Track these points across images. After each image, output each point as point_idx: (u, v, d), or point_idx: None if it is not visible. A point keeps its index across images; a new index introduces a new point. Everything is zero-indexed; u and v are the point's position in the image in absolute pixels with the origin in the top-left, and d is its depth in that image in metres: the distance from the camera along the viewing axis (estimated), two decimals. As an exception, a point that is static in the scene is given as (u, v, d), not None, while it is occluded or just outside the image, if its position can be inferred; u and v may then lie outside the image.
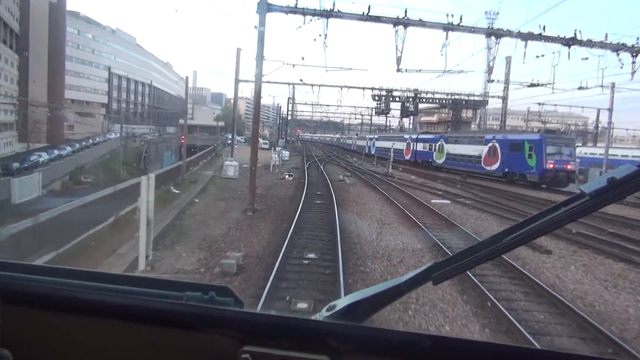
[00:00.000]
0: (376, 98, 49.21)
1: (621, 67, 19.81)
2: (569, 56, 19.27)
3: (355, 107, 76.41)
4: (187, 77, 33.89)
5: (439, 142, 40.87)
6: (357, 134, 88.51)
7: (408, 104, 51.22)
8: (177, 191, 20.20)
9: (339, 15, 17.99)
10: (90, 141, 61.99)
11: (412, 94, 50.33)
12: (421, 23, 18.83)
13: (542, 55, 20.48)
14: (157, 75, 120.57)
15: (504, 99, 49.10)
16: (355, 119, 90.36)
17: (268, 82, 34.00)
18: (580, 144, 48.05)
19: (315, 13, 17.77)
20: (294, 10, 17.15)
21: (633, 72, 19.75)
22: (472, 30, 19.18)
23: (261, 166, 30.86)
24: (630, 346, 6.31)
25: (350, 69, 26.64)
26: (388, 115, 62.80)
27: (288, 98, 63.95)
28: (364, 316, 0.92)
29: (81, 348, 0.84)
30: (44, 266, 1.15)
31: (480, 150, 33.60)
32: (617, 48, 19.28)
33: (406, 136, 51.71)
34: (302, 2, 17.55)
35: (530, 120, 59.55)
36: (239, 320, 0.81)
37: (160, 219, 13.57)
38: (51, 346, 0.84)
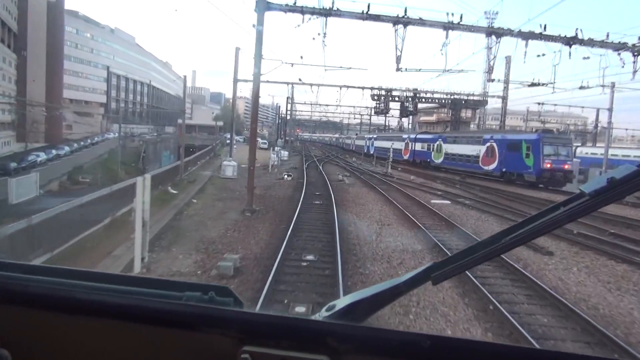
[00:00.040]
0: (375, 98, 49.04)
1: (622, 67, 19.69)
2: (570, 55, 19.13)
3: (354, 106, 76.53)
4: (184, 76, 33.72)
5: (437, 142, 40.90)
6: (356, 134, 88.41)
7: (407, 104, 51.04)
8: (175, 191, 20.05)
9: (338, 13, 17.82)
10: (89, 141, 61.75)
11: (411, 94, 50.17)
12: (421, 22, 18.66)
13: (543, 55, 20.33)
14: (156, 74, 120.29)
15: (504, 98, 48.97)
16: (355, 118, 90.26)
17: (267, 81, 33.96)
18: (580, 144, 47.99)
19: (314, 12, 17.60)
20: (292, 8, 16.98)
21: (634, 72, 19.61)
22: (473, 29, 19.01)
23: (260, 166, 30.70)
24: (636, 350, 6.18)
25: (350, 68, 26.68)
26: (387, 115, 62.72)
27: (287, 97, 63.82)
28: (363, 316, 0.91)
29: (80, 348, 0.84)
30: (43, 266, 1.13)
31: (478, 150, 33.62)
32: (619, 47, 19.12)
33: (405, 136, 51.73)
34: (301, 0, 17.43)
35: (530, 120, 59.38)
36: (239, 320, 0.81)
37: (157, 219, 13.42)
38: (50, 346, 0.84)
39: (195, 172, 29.01)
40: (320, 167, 37.80)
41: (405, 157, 47.61)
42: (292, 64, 26.72)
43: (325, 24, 18.72)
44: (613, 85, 32.56)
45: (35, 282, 0.91)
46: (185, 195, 19.30)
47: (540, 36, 18.78)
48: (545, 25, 18.73)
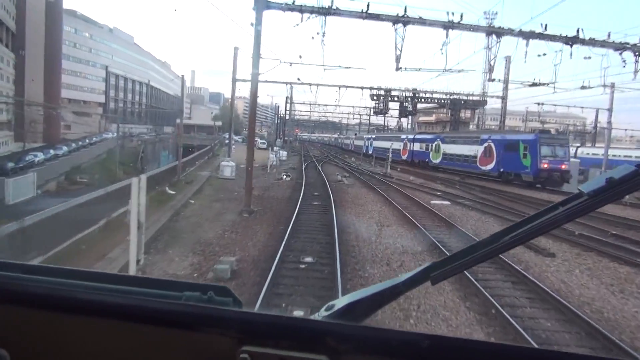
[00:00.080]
0: (374, 98, 48.89)
1: (624, 67, 19.56)
2: (571, 55, 19.02)
3: (353, 106, 76.27)
4: (182, 76, 33.60)
5: (436, 142, 40.95)
6: (355, 134, 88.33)
7: (406, 104, 50.90)
8: (172, 192, 19.88)
9: (338, 12, 17.67)
10: (87, 141, 61.48)
11: (410, 94, 50.04)
12: (421, 21, 18.51)
13: (544, 54, 20.20)
14: (154, 74, 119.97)
15: (503, 98, 48.80)
16: (354, 118, 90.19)
17: (265, 81, 33.69)
18: (579, 145, 47.89)
19: (313, 10, 17.44)
20: (291, 7, 16.81)
21: (636, 72, 19.48)
22: (473, 28, 18.87)
23: (258, 166, 30.51)
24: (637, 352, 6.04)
25: (349, 67, 26.39)
26: (386, 115, 62.56)
27: (286, 97, 63.64)
28: (362, 316, 0.91)
29: (79, 348, 0.84)
30: (43, 266, 1.11)
31: (476, 150, 33.67)
32: (620, 47, 18.99)
33: (403, 136, 51.76)
34: (300, -1, 17.26)
35: (530, 120, 59.21)
36: (238, 320, 0.81)
37: (154, 221, 13.26)
38: (49, 346, 0.84)
39: (194, 173, 28.86)
40: (319, 168, 37.64)
41: (404, 157, 47.60)
42: (291, 64, 26.51)
43: (325, 23, 18.62)
44: (613, 86, 32.52)
45: (35, 282, 0.91)
46: (183, 196, 19.13)
47: (541, 36, 18.64)
48: (546, 25, 18.64)
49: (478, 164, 33.24)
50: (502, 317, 7.18)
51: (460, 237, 13.00)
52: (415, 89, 49.86)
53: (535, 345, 5.58)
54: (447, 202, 20.30)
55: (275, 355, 0.76)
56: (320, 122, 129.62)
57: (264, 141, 66.90)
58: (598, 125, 53.21)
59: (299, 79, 38.85)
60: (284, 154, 46.57)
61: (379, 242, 12.18)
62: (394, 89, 49.46)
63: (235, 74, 32.13)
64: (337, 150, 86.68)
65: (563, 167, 27.49)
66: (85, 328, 0.84)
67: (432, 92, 50.72)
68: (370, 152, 57.46)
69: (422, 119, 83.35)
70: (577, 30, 18.68)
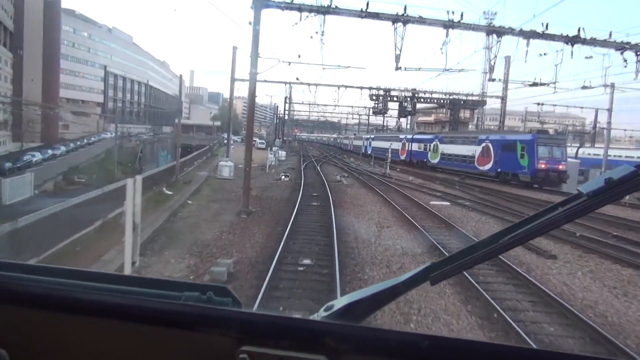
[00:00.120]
0: (374, 98, 48.78)
1: (625, 66, 19.43)
2: (572, 55, 18.89)
3: (352, 106, 76.04)
4: (181, 75, 33.41)
5: (434, 143, 41.02)
6: (354, 134, 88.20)
7: (406, 104, 50.79)
8: (170, 192, 19.71)
9: (337, 11, 17.51)
10: (85, 141, 61.28)
11: (410, 94, 49.92)
12: (421, 20, 18.36)
13: (545, 54, 20.07)
14: (153, 74, 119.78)
15: (503, 98, 48.67)
16: (353, 118, 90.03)
17: (264, 81, 33.42)
18: (579, 145, 47.80)
19: (312, 9, 17.28)
20: (290, 5, 16.65)
21: (637, 72, 19.35)
22: (473, 28, 18.72)
23: (257, 167, 30.38)
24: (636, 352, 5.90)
25: (348, 67, 26.16)
26: (386, 115, 62.43)
27: (285, 97, 63.46)
28: (361, 316, 0.90)
29: (79, 348, 0.83)
30: (42, 266, 1.08)
31: (474, 150, 33.72)
32: (621, 47, 18.86)
33: (401, 136, 51.75)
34: (299, -3, 17.09)
35: (529, 120, 59.06)
36: (237, 320, 0.81)
37: (151, 222, 13.11)
38: (48, 346, 0.84)
39: (192, 173, 28.70)
40: (318, 168, 37.47)
41: (402, 157, 47.59)
42: (290, 63, 26.37)
43: (323, 22, 18.43)
44: (612, 86, 32.44)
45: (34, 282, 0.90)
46: (180, 196, 18.96)
47: (542, 35, 18.50)
48: (547, 24, 18.52)
49: (476, 164, 33.31)
50: (504, 321, 7.04)
51: (460, 239, 12.86)
52: (415, 89, 49.76)
53: (534, 346, 5.51)
54: (447, 203, 20.15)
55: (274, 356, 0.76)
56: (319, 122, 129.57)
57: (263, 141, 66.76)
58: (597, 125, 53.08)
59: (297, 79, 38.73)
60: (282, 154, 46.42)
61: (378, 243, 12.03)
62: (393, 89, 49.38)
63: (234, 74, 31.98)
64: (336, 150, 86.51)
65: (560, 167, 27.54)
66: (85, 328, 0.83)
67: (431, 92, 50.61)
68: (369, 152, 57.44)
69: (422, 119, 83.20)
70: (578, 30, 18.55)
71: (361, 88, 45.32)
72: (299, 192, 20.55)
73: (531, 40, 19.11)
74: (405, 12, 18.26)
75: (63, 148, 50.87)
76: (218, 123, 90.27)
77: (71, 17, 78.87)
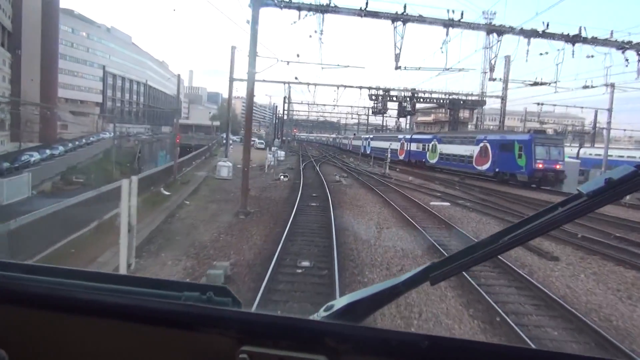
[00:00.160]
0: (373, 97, 48.65)
1: (626, 66, 19.29)
2: (573, 54, 18.76)
3: (352, 106, 75.88)
4: (179, 75, 33.25)
5: (432, 142, 41.08)
6: (354, 134, 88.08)
7: (405, 104, 50.65)
8: (167, 193, 19.55)
9: (336, 10, 17.37)
10: (84, 140, 61.19)
11: (409, 94, 49.78)
12: (421, 19, 18.22)
13: (546, 53, 19.94)
14: (152, 74, 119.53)
15: (503, 98, 48.53)
16: (352, 118, 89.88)
17: (263, 80, 33.39)
18: (580, 145, 47.71)
19: (310, 8, 17.14)
20: (288, 4, 16.52)
21: (638, 71, 19.21)
22: (474, 26, 18.60)
23: (256, 167, 30.25)
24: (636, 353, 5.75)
25: (347, 66, 25.96)
26: (385, 115, 62.29)
27: (284, 97, 63.29)
28: (361, 316, 0.90)
29: (79, 348, 0.83)
30: (42, 266, 1.05)
31: (472, 150, 33.77)
32: (622, 46, 18.73)
33: (400, 136, 51.73)
34: (298, -4, 16.94)
35: (529, 120, 58.93)
36: (237, 320, 0.81)
37: (147, 223, 12.95)
38: (48, 346, 0.84)
39: (190, 173, 28.52)
40: (318, 168, 37.32)
41: (401, 157, 47.57)
42: (288, 62, 26.22)
43: (322, 21, 18.31)
44: (612, 86, 32.31)
45: (34, 282, 0.90)
46: (178, 196, 18.80)
47: (543, 34, 18.37)
48: (547, 23, 18.38)
49: (474, 164, 33.34)
50: (507, 325, 6.89)
51: (461, 239, 12.70)
52: (414, 89, 49.61)
53: (533, 346, 5.47)
54: (447, 204, 19.99)
55: (274, 356, 0.76)
56: (319, 122, 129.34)
57: (262, 141, 66.61)
58: (597, 125, 52.99)
59: (296, 78, 38.60)
60: (281, 154, 46.23)
61: (378, 244, 11.87)
62: (393, 89, 49.24)
63: (233, 73, 31.85)
64: (335, 150, 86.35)
65: (557, 167, 27.56)
66: (85, 328, 0.83)
67: (430, 92, 50.47)
68: (368, 152, 57.39)
69: (421, 119, 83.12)
70: (579, 29, 18.42)
71: (360, 88, 45.20)
72: (298, 193, 20.39)
73: (532, 39, 18.99)
74: (405, 11, 18.14)
75: (61, 148, 50.72)
76: (217, 123, 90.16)
77: (70, 17, 78.69)
